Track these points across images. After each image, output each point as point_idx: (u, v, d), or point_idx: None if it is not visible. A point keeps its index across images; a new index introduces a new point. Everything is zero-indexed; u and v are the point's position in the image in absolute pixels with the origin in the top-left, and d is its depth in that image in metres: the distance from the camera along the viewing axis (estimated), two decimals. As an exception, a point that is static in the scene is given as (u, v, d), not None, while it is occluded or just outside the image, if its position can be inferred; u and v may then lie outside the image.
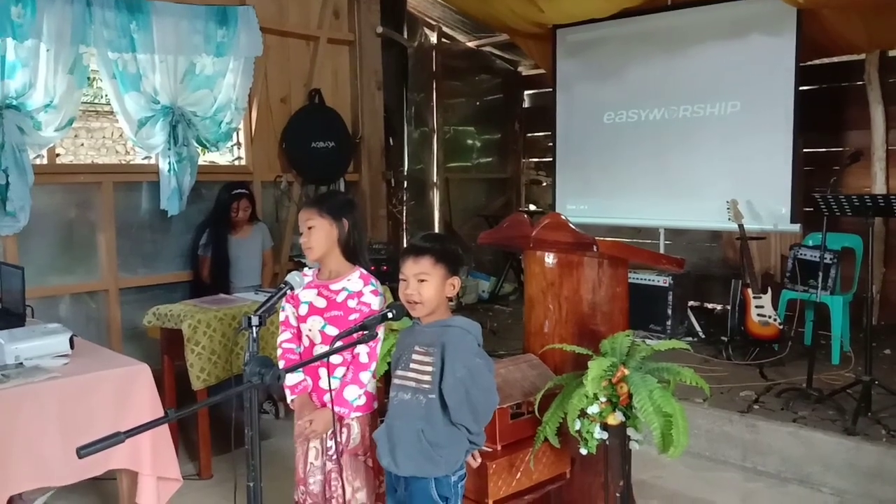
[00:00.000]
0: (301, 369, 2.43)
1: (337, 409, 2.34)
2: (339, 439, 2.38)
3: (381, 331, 2.39)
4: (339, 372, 2.40)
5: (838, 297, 4.68)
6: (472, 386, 2.05)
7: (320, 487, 2.43)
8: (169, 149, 4.52)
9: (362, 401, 2.38)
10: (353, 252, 2.44)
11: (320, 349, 2.40)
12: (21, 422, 2.46)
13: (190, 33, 4.56)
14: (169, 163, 4.54)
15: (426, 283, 2.11)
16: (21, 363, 2.67)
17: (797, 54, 4.92)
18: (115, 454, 2.56)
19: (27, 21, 3.87)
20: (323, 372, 2.39)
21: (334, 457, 2.39)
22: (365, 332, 2.05)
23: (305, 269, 2.53)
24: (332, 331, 2.37)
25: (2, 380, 2.51)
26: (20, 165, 3.91)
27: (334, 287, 2.41)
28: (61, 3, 3.98)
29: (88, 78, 4.44)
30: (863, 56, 5.55)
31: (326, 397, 2.33)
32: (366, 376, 2.37)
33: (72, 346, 2.81)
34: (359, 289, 2.40)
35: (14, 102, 3.90)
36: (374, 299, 2.40)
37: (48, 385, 2.55)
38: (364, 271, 2.44)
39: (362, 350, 2.35)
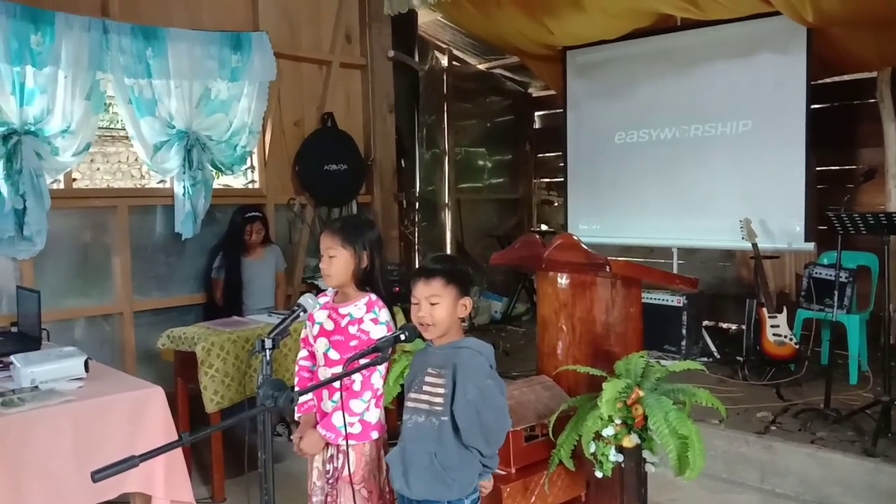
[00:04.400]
0: None
1: (323, 431, 2.35)
2: (335, 465, 2.39)
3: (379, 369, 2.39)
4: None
5: (855, 316, 4.63)
6: (483, 408, 2.04)
7: None
8: (184, 172, 4.57)
9: (356, 429, 2.35)
10: (367, 282, 2.44)
11: (323, 371, 2.43)
12: (36, 445, 2.47)
13: (205, 59, 4.62)
14: (184, 186, 4.59)
15: (438, 305, 2.11)
16: (36, 386, 2.68)
17: (808, 72, 4.92)
18: (128, 477, 2.56)
19: (46, 49, 3.94)
20: (325, 394, 2.42)
21: (330, 481, 2.41)
22: (378, 354, 2.05)
23: (325, 290, 2.55)
24: (335, 354, 2.38)
25: (17, 403, 2.52)
26: (37, 190, 3.96)
27: (342, 311, 2.42)
28: (79, 30, 4.05)
29: (105, 103, 4.51)
30: (874, 73, 5.54)
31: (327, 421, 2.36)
32: (357, 405, 2.34)
33: (86, 370, 2.83)
34: (360, 315, 2.39)
35: (32, 128, 3.96)
36: (372, 327, 2.37)
37: (63, 408, 2.56)
38: (373, 297, 2.42)
39: (357, 378, 2.33)
